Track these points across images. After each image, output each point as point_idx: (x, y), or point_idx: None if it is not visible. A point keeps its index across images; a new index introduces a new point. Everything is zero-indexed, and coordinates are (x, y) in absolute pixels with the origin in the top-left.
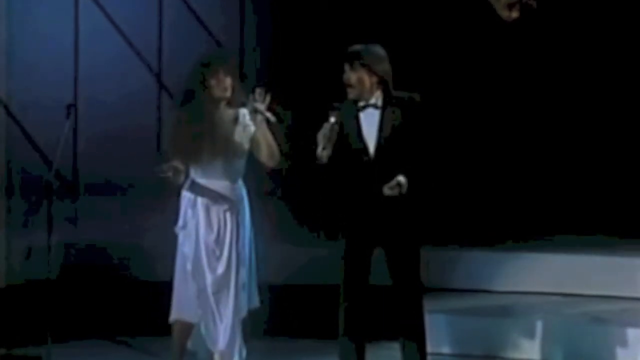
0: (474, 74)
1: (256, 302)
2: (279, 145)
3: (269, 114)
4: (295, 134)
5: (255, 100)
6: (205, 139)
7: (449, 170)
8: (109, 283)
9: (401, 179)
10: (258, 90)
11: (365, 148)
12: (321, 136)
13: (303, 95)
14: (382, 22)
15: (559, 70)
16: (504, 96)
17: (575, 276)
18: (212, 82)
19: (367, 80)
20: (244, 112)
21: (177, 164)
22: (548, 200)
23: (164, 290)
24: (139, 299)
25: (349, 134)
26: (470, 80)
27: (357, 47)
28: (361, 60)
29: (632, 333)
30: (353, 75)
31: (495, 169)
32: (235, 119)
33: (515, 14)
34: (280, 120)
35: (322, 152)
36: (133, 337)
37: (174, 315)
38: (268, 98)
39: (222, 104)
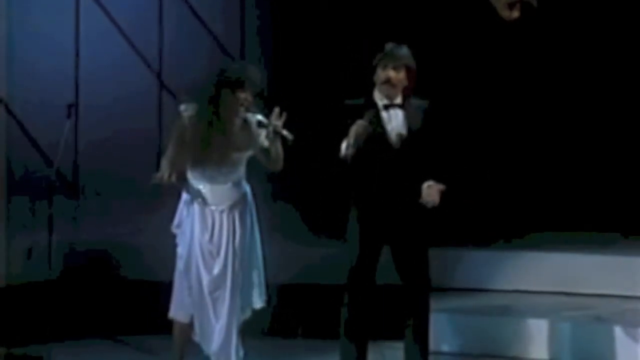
0: (473, 74)
1: (262, 302)
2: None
3: (285, 132)
4: (296, 134)
5: (274, 121)
6: (213, 149)
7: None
8: (109, 283)
9: (431, 183)
10: (276, 111)
11: (390, 146)
12: (353, 133)
13: (304, 95)
14: (382, 22)
15: (560, 69)
16: (503, 96)
17: (575, 275)
18: (238, 97)
19: (404, 81)
20: (252, 119)
21: (174, 167)
22: (548, 200)
23: (163, 290)
24: (138, 299)
25: (372, 131)
26: (469, 81)
27: (398, 48)
28: (406, 62)
29: (632, 333)
30: (397, 76)
31: (495, 168)
32: (243, 125)
33: (515, 14)
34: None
35: (348, 151)
36: (133, 337)
37: (170, 314)
38: (284, 116)
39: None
